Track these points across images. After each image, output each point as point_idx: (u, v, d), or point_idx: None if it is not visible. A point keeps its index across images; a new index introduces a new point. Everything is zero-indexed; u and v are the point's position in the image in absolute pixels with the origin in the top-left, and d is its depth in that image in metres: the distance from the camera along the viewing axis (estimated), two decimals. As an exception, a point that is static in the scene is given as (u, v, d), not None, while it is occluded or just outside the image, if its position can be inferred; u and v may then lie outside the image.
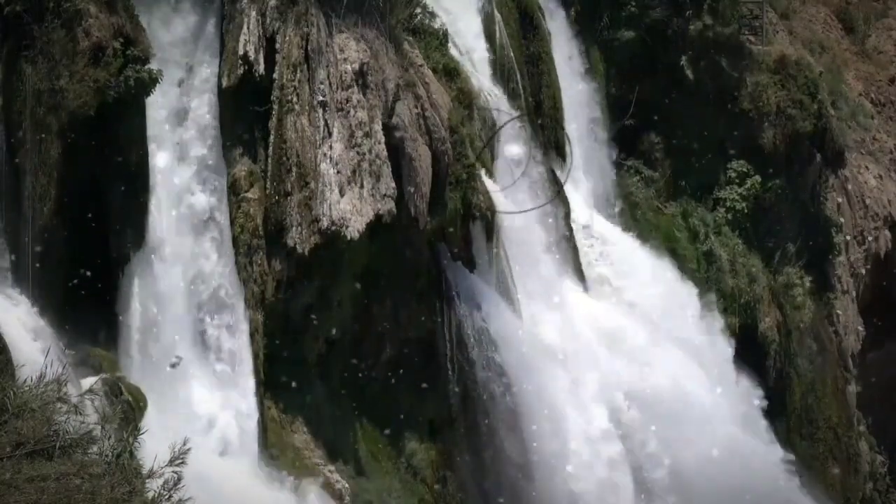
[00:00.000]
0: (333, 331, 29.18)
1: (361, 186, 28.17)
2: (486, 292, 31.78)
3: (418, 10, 31.85)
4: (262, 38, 27.87)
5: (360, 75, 28.63)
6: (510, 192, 33.38)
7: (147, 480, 12.01)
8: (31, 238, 24.78)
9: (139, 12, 26.23)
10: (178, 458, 11.76)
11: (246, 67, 27.64)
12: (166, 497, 11.77)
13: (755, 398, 38.33)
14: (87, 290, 25.40)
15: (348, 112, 28.34)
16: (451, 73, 32.27)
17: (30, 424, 12.17)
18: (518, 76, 35.55)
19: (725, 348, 38.52)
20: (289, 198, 27.65)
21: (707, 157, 40.94)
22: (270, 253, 27.73)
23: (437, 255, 31.18)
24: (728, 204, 40.79)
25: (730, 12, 40.86)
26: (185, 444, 12.05)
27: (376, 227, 28.41)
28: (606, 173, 39.73)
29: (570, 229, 35.84)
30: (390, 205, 28.52)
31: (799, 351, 41.22)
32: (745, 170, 40.94)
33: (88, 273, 25.34)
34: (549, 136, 37.07)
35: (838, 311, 43.17)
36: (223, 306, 27.51)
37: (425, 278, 30.83)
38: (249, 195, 27.76)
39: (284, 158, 27.66)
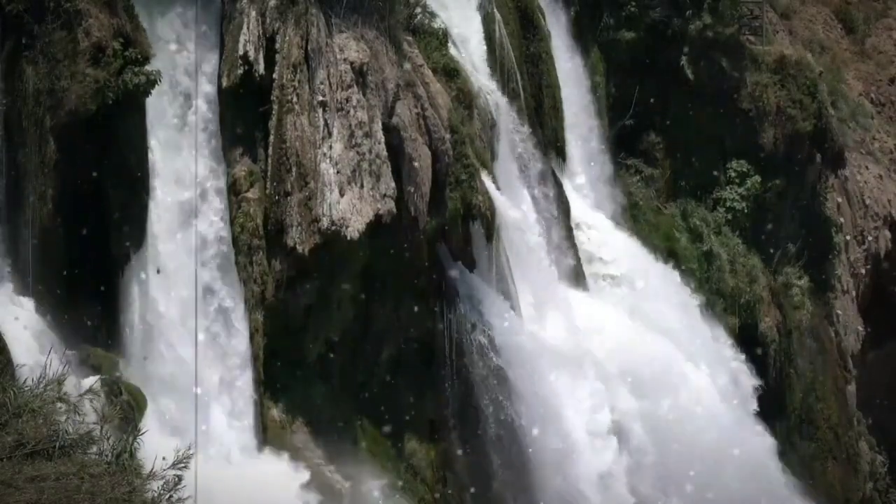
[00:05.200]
0: (333, 331, 29.19)
1: (361, 186, 28.17)
2: (486, 292, 31.77)
3: (418, 10, 31.84)
4: (262, 38, 27.88)
5: (360, 75, 28.63)
6: (510, 192, 33.40)
7: (148, 481, 12.01)
8: (31, 238, 24.79)
9: (139, 12, 26.24)
10: (181, 461, 11.75)
11: (246, 67, 27.64)
12: (167, 497, 11.76)
13: (753, 399, 38.34)
14: (87, 291, 25.42)
15: (348, 112, 28.33)
16: (451, 73, 32.26)
17: (30, 425, 12.17)
18: (518, 76, 35.54)
19: (725, 347, 38.51)
20: (289, 198, 27.65)
21: (707, 157, 40.94)
22: (270, 253, 27.73)
23: (437, 255, 31.17)
24: (728, 204, 40.79)
25: (730, 12, 40.86)
26: (189, 449, 12.04)
27: (376, 227, 28.40)
28: (606, 173, 39.72)
29: (570, 229, 35.85)
30: (390, 205, 28.52)
31: (799, 351, 41.21)
32: (745, 170, 40.94)
33: (88, 273, 25.35)
34: (549, 136, 37.07)
35: (838, 311, 43.16)
36: (223, 306, 27.51)
37: (425, 278, 30.81)
38: (249, 195, 27.77)
39: (284, 158, 27.65)
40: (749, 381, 38.36)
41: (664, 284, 38.04)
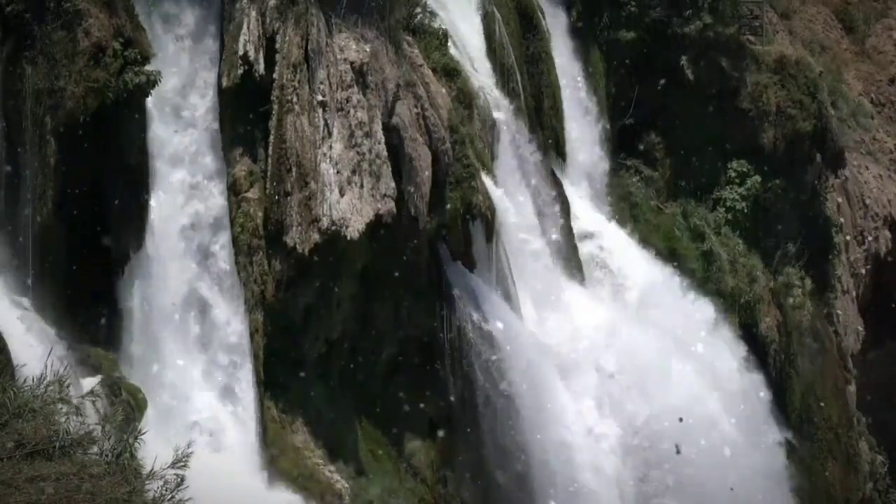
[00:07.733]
0: (333, 331, 29.18)
1: (361, 186, 28.17)
2: (486, 292, 31.77)
3: (418, 10, 31.83)
4: (262, 38, 27.86)
5: (360, 75, 28.62)
6: (510, 193, 33.41)
7: (147, 481, 12.01)
8: (31, 238, 24.78)
9: (139, 12, 26.24)
10: (181, 460, 11.75)
11: (246, 67, 27.63)
12: (168, 498, 11.77)
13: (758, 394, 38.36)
14: (87, 290, 25.41)
15: (348, 112, 28.32)
16: (451, 73, 32.26)
17: (30, 425, 12.17)
18: (518, 76, 35.54)
19: (725, 348, 38.50)
20: (289, 198, 27.64)
21: (707, 157, 40.97)
22: (270, 253, 27.72)
23: (437, 255, 31.16)
24: (728, 204, 40.80)
25: (730, 12, 40.88)
26: (188, 447, 12.04)
27: (376, 226, 28.40)
28: (606, 173, 39.73)
29: (570, 229, 35.85)
30: (390, 205, 28.51)
31: (799, 351, 41.21)
32: (745, 170, 40.96)
33: (88, 273, 25.34)
34: (549, 136, 37.07)
35: (838, 311, 43.18)
36: (223, 307, 27.51)
37: (425, 278, 30.82)
38: (249, 195, 27.76)
39: (284, 158, 27.64)
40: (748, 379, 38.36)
41: (664, 284, 38.04)
